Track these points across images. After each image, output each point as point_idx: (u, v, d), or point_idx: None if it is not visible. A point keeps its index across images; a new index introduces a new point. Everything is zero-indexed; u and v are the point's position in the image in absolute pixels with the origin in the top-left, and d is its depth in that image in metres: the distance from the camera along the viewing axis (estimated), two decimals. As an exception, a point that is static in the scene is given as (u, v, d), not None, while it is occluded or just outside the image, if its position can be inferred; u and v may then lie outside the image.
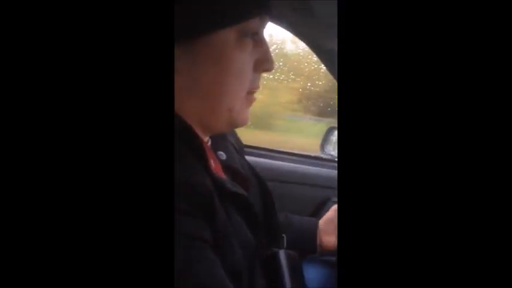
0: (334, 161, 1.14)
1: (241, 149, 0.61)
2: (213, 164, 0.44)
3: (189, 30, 0.39)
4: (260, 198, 0.56)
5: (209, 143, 0.49)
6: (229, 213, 0.42)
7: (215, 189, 0.41)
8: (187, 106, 0.42)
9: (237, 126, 0.47)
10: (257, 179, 0.57)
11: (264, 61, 0.44)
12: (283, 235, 0.56)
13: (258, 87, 0.46)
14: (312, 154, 1.19)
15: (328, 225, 0.64)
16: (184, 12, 0.37)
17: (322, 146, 1.14)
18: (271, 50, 0.45)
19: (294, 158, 1.16)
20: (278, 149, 1.16)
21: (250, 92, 0.45)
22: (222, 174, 0.45)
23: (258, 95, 0.48)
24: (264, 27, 0.44)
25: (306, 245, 0.64)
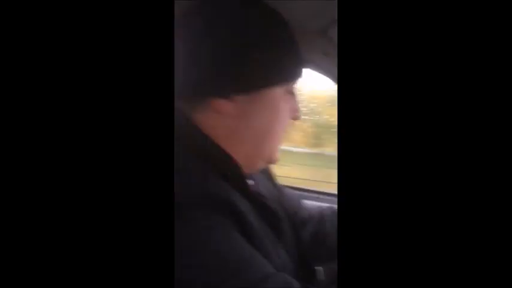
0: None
1: (274, 180, 0.68)
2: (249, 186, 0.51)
3: (249, 85, 0.46)
4: (289, 229, 0.58)
5: None
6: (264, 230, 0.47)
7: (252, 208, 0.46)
8: (238, 147, 0.49)
9: (269, 164, 0.56)
10: (285, 210, 0.61)
11: (294, 111, 0.52)
12: (320, 268, 0.58)
13: (286, 133, 0.54)
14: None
15: None
16: (246, 69, 0.45)
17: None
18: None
19: (327, 197, 1.13)
20: (311, 189, 1.14)
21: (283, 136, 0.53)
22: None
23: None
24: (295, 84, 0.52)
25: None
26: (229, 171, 0.46)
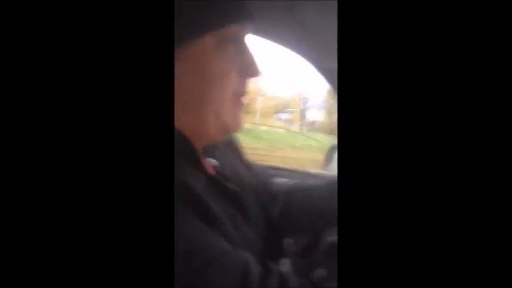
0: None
1: (242, 157, 0.64)
2: (207, 167, 0.47)
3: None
4: (256, 206, 0.56)
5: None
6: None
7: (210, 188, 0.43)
8: (178, 116, 0.43)
9: (229, 132, 0.48)
10: (252, 187, 0.59)
11: (248, 67, 0.45)
12: (290, 240, 0.56)
13: (245, 92, 0.47)
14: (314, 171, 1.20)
15: None
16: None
17: (325, 164, 1.14)
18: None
19: (295, 174, 1.16)
20: (280, 166, 1.17)
21: (237, 96, 0.46)
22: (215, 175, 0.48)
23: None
24: (245, 34, 0.45)
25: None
26: (179, 145, 0.42)
